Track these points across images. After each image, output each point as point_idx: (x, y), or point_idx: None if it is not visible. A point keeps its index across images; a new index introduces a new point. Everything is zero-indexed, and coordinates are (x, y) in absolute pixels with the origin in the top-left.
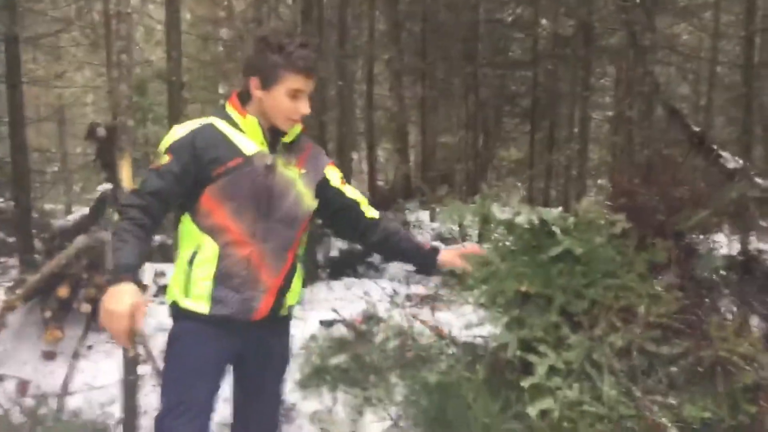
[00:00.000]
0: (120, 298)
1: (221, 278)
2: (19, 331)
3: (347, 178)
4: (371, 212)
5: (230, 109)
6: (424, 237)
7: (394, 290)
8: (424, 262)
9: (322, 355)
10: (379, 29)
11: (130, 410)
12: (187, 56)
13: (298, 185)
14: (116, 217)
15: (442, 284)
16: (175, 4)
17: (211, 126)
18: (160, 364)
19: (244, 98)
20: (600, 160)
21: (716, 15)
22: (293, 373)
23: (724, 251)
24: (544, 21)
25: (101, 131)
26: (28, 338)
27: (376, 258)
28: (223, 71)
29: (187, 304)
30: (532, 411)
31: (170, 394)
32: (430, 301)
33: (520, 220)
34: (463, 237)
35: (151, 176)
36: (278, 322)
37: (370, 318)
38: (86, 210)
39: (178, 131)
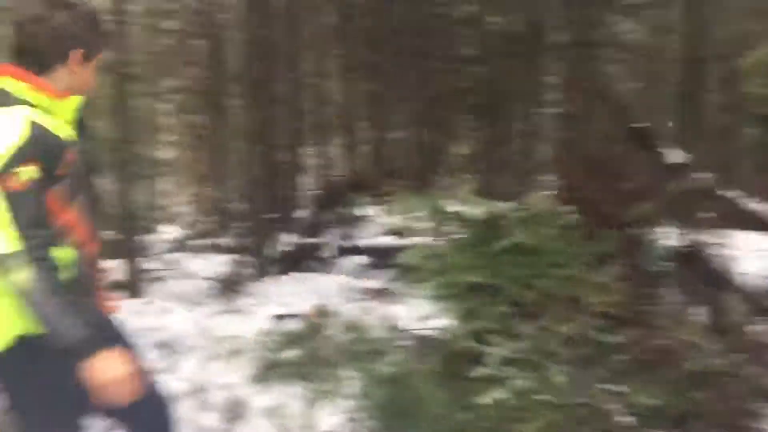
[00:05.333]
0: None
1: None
2: None
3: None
4: None
5: (32, 93)
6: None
7: (347, 284)
8: None
9: (274, 349)
10: (329, 23)
11: None
12: (133, 48)
13: None
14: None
15: (394, 278)
16: None
17: (32, 120)
18: None
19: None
20: (547, 155)
21: (660, 12)
22: (245, 368)
23: (667, 242)
24: (492, 18)
25: None
26: None
27: (327, 252)
28: (171, 64)
29: None
30: (484, 401)
31: None
32: (382, 294)
33: (472, 213)
34: (415, 231)
35: (29, 200)
36: None
37: (323, 312)
38: None
39: (14, 135)
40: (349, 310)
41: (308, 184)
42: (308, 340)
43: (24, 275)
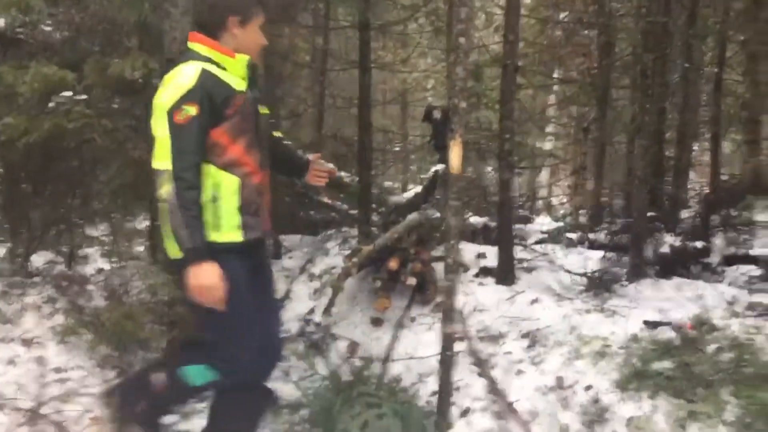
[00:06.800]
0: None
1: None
2: (353, 297)
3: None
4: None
5: (210, 52)
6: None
7: (734, 296)
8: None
9: (644, 358)
10: (735, 8)
11: (445, 384)
12: (524, 40)
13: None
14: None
15: None
16: None
17: (207, 71)
18: (477, 344)
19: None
20: None
21: None
22: (611, 372)
23: None
24: None
25: (437, 114)
26: (360, 304)
27: (714, 258)
28: (560, 55)
29: (222, 237)
30: None
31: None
32: None
33: None
34: None
35: (186, 132)
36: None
37: (703, 324)
38: (419, 188)
39: (185, 81)
40: (733, 325)
41: (697, 183)
42: (683, 353)
43: (167, 189)
